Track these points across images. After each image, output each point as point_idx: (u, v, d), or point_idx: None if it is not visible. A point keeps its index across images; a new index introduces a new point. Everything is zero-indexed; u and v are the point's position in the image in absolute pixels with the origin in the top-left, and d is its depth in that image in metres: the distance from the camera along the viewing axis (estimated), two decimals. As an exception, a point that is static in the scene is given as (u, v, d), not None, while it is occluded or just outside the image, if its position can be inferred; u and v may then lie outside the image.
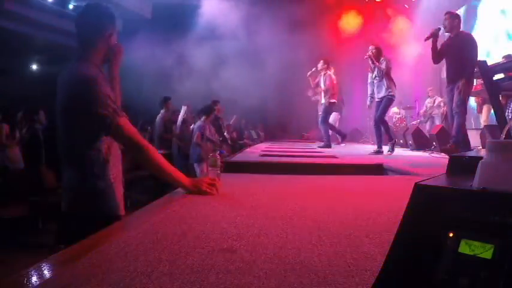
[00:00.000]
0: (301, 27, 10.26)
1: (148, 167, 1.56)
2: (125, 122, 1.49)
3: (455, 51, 4.22)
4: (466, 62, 4.11)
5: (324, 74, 6.60)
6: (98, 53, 1.60)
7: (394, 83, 5.23)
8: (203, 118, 6.14)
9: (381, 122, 5.34)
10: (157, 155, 1.53)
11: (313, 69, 6.80)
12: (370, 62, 5.30)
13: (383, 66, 5.16)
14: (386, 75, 5.16)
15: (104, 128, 1.48)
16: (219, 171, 1.76)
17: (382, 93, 5.22)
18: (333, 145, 6.76)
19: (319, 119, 6.68)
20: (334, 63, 7.00)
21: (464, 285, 0.44)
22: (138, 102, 9.21)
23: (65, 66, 1.62)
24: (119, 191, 1.62)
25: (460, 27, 4.31)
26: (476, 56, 4.09)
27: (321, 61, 6.66)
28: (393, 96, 5.20)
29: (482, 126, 6.63)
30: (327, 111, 6.62)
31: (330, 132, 7.00)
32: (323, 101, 6.57)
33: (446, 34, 4.57)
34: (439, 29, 4.39)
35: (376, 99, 5.33)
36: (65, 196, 1.58)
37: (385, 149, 5.21)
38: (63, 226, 1.62)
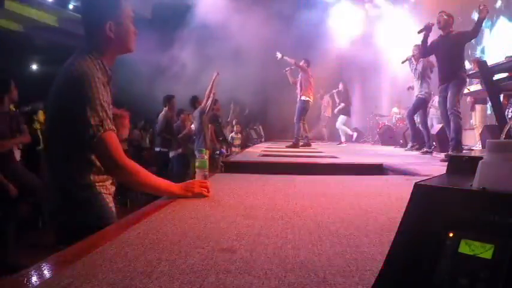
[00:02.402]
0: (301, 26, 10.26)
1: (132, 187, 1.44)
2: (109, 137, 1.31)
3: (447, 50, 4.31)
4: (458, 62, 4.24)
5: (303, 72, 6.69)
6: (105, 44, 1.42)
7: (429, 85, 5.49)
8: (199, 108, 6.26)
9: (408, 117, 5.71)
10: (139, 173, 1.37)
11: (293, 67, 6.87)
12: (410, 63, 5.68)
13: (420, 67, 5.45)
14: (422, 76, 5.44)
15: (85, 139, 1.30)
16: (206, 173, 1.74)
17: (416, 92, 5.56)
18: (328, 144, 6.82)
19: (295, 118, 6.64)
20: (324, 63, 7.14)
21: (464, 285, 0.44)
22: (138, 101, 9.20)
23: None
24: (108, 199, 1.47)
25: (451, 27, 4.41)
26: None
27: (302, 60, 6.78)
28: (424, 97, 5.44)
29: (474, 126, 6.68)
30: (302, 109, 6.61)
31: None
32: (302, 98, 6.64)
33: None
34: (433, 24, 4.50)
35: (415, 96, 5.67)
36: (48, 204, 1.44)
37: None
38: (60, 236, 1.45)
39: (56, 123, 1.39)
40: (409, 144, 5.90)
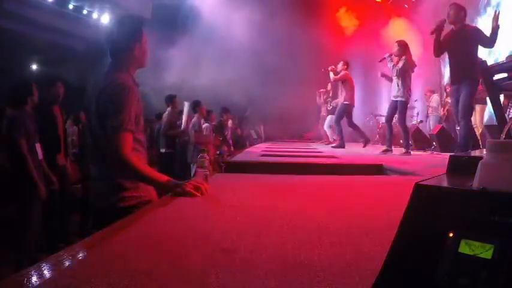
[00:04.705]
0: (300, 27, 10.26)
1: (128, 174, 1.65)
2: (122, 137, 1.58)
3: (459, 47, 4.01)
4: (471, 60, 3.91)
5: (339, 73, 6.76)
6: (131, 61, 1.76)
7: (409, 86, 5.14)
8: (196, 116, 6.19)
9: (401, 124, 5.33)
10: (136, 162, 1.60)
11: (333, 67, 6.93)
12: (389, 60, 5.27)
13: (400, 65, 5.07)
14: (401, 75, 5.07)
15: (109, 133, 1.59)
16: (207, 173, 1.75)
17: (394, 93, 5.19)
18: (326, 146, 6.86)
19: (334, 119, 6.76)
20: (324, 63, 7.22)
21: (464, 285, 0.44)
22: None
23: (69, 67, 1.75)
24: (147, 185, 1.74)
25: (464, 21, 4.10)
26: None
27: (341, 62, 6.85)
28: (405, 99, 5.13)
29: (474, 126, 6.64)
30: (342, 111, 6.68)
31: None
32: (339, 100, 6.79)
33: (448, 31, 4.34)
34: (444, 20, 4.19)
35: (391, 98, 5.32)
36: (104, 191, 1.71)
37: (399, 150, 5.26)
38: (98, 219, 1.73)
39: (100, 123, 1.64)
40: (385, 148, 5.38)
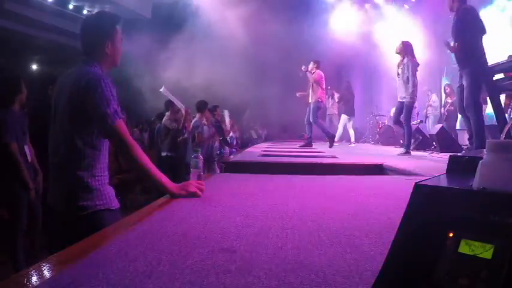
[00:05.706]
0: (300, 26, 10.27)
1: (135, 168, 1.61)
2: (121, 123, 1.57)
3: (456, 31, 3.87)
4: (465, 45, 3.74)
5: (313, 73, 6.81)
6: (103, 59, 1.69)
7: (416, 86, 5.08)
8: (197, 116, 6.11)
9: (405, 125, 5.21)
10: (145, 158, 1.57)
11: (305, 66, 6.97)
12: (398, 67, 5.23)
13: (408, 66, 5.04)
14: (409, 76, 5.03)
15: (103, 127, 1.55)
16: (201, 173, 1.76)
17: (401, 94, 5.16)
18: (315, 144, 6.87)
19: (311, 119, 6.75)
20: (324, 63, 7.24)
21: (464, 285, 0.44)
22: (138, 102, 9.21)
23: (69, 68, 1.70)
24: (110, 186, 1.70)
25: (460, 2, 3.87)
26: (478, 31, 3.71)
27: (311, 62, 6.94)
28: (412, 100, 5.07)
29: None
30: (317, 110, 6.76)
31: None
32: (311, 99, 6.76)
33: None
34: (446, 41, 4.12)
35: (398, 99, 5.27)
36: (58, 194, 1.62)
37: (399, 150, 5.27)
38: (60, 224, 1.64)
39: (74, 119, 1.58)
40: (412, 146, 5.34)
